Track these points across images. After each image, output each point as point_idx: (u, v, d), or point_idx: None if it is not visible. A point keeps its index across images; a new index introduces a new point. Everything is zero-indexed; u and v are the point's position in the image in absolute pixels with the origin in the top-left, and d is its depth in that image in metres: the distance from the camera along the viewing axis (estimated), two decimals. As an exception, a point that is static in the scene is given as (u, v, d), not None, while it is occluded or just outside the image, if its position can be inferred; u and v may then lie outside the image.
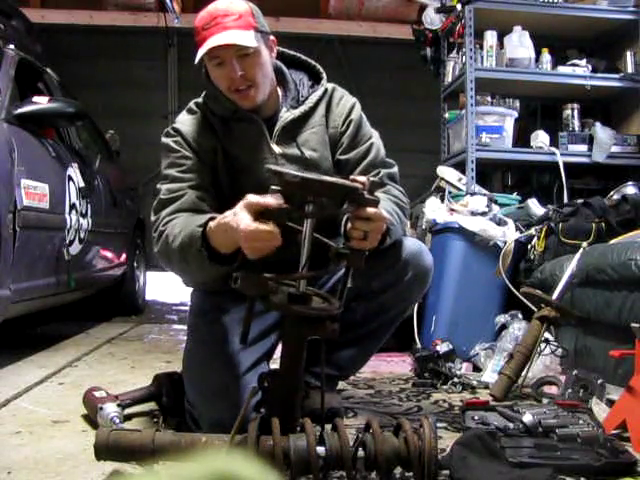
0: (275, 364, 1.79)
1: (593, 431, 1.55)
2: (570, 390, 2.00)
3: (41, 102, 2.74)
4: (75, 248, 3.07)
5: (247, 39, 1.58)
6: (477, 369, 2.62)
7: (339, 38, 6.86)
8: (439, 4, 4.27)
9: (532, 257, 2.88)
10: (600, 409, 1.79)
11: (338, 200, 1.39)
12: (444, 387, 2.34)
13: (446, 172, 3.93)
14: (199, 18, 1.61)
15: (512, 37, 3.91)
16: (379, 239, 1.45)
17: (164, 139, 1.74)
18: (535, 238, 2.90)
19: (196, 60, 1.61)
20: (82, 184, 3.17)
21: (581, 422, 1.62)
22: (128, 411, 1.78)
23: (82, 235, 3.16)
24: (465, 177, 3.81)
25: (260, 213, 1.30)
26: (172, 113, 6.60)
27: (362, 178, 1.37)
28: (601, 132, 3.88)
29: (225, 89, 1.66)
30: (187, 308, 2.02)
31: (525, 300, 2.48)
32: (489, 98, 4.04)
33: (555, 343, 2.31)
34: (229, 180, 1.72)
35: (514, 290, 2.66)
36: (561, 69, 3.96)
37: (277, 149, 1.72)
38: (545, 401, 2.04)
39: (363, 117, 1.84)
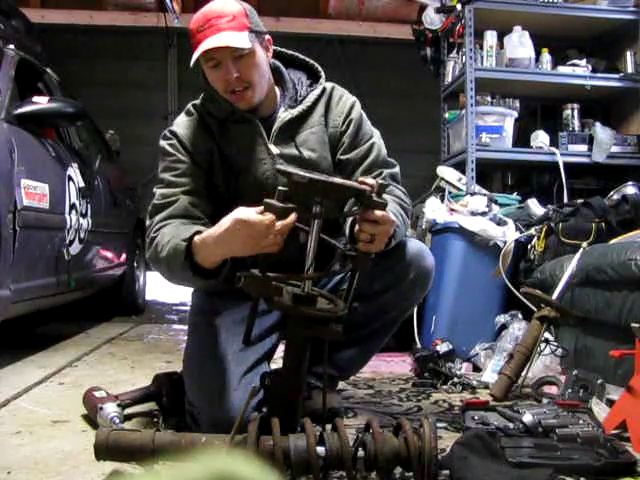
0: (275, 364, 1.79)
1: (593, 431, 1.55)
2: (570, 390, 2.00)
3: (41, 102, 2.74)
4: (75, 248, 3.07)
5: (241, 40, 1.58)
6: (477, 369, 2.62)
7: (339, 38, 6.86)
8: (439, 4, 4.26)
9: (532, 257, 2.88)
10: (600, 409, 1.79)
11: (344, 202, 1.40)
12: (444, 387, 2.34)
13: (446, 172, 3.93)
14: (193, 20, 1.61)
15: (512, 37, 3.91)
16: (386, 242, 1.45)
17: (161, 142, 1.74)
18: (535, 238, 2.90)
19: (191, 63, 1.61)
20: (82, 184, 3.17)
21: (581, 422, 1.62)
22: (128, 411, 1.78)
23: (82, 235, 3.16)
24: (465, 177, 3.80)
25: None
26: (172, 113, 6.60)
27: (371, 180, 1.36)
28: (601, 132, 3.88)
29: (221, 91, 1.66)
30: (187, 308, 2.02)
31: (525, 300, 2.48)
32: (489, 98, 4.04)
33: (555, 343, 2.31)
34: (226, 181, 1.72)
35: (514, 290, 2.66)
36: (561, 69, 3.96)
37: (275, 149, 1.72)
38: (545, 401, 2.04)
39: (363, 116, 1.83)
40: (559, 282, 2.33)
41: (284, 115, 1.74)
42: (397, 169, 1.84)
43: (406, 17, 6.27)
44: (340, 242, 1.50)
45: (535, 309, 2.34)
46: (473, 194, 3.32)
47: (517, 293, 2.58)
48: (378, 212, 1.36)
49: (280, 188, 1.31)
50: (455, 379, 2.36)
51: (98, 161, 3.81)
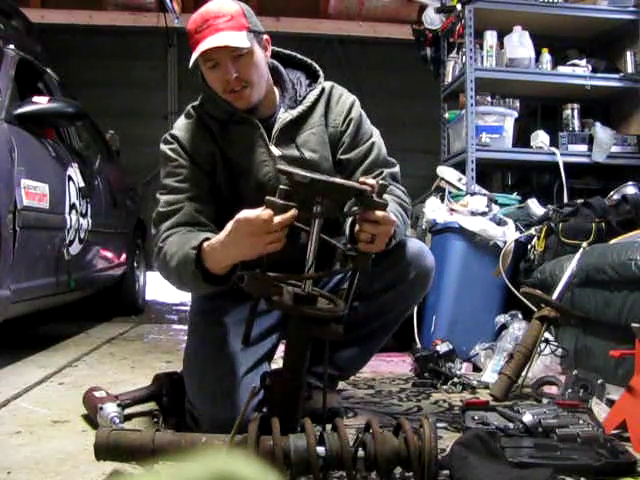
0: (276, 364, 1.79)
1: (593, 431, 1.55)
2: (570, 390, 2.00)
3: (41, 102, 2.74)
4: (75, 248, 3.07)
5: (240, 40, 1.57)
6: (477, 369, 2.62)
7: (339, 38, 6.87)
8: (439, 4, 4.26)
9: (532, 257, 2.88)
10: (600, 409, 1.79)
11: (344, 202, 1.39)
12: (444, 387, 2.34)
13: (446, 172, 3.93)
14: (191, 21, 1.61)
15: (512, 37, 3.91)
16: (386, 242, 1.45)
17: (162, 146, 1.73)
18: (535, 238, 2.90)
19: (190, 64, 1.60)
20: (82, 184, 3.17)
21: (581, 422, 1.62)
22: (128, 411, 1.78)
23: (82, 235, 3.16)
24: (465, 177, 3.80)
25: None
26: (172, 113, 6.61)
27: (371, 181, 1.36)
28: (601, 132, 3.88)
29: (220, 91, 1.65)
30: (187, 308, 2.03)
31: (525, 300, 2.48)
32: (489, 98, 4.04)
33: (555, 343, 2.31)
34: (228, 184, 1.72)
35: (514, 290, 2.66)
36: (561, 69, 3.96)
37: (276, 151, 1.71)
38: (545, 401, 2.04)
39: (363, 115, 1.82)
40: (559, 282, 2.33)
41: (284, 116, 1.73)
42: (397, 168, 1.84)
43: (406, 17, 6.28)
44: (340, 242, 1.50)
45: (535, 309, 2.34)
46: (473, 194, 3.32)
47: (517, 293, 2.58)
48: (379, 212, 1.36)
49: (282, 187, 1.31)
50: (455, 379, 2.36)
51: (98, 161, 3.82)
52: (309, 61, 1.84)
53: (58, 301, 3.17)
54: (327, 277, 1.75)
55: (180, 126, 1.75)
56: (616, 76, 3.98)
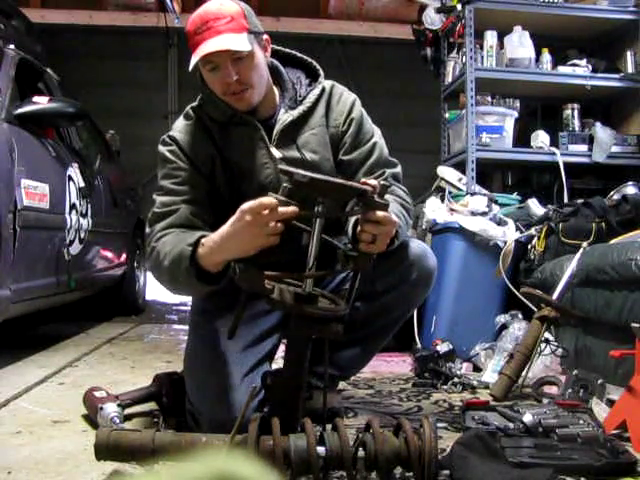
0: (277, 364, 1.79)
1: (593, 431, 1.55)
2: (570, 390, 2.00)
3: (41, 102, 2.74)
4: (75, 248, 3.07)
5: (241, 43, 1.55)
6: (477, 369, 2.62)
7: (339, 38, 6.87)
8: (439, 4, 4.26)
9: (532, 257, 2.88)
10: (600, 409, 1.79)
11: (345, 202, 1.39)
12: (444, 387, 2.34)
13: (446, 172, 3.93)
14: (190, 22, 1.58)
15: (512, 37, 3.91)
16: (388, 242, 1.45)
17: (160, 148, 1.71)
18: (535, 238, 2.90)
19: (190, 67, 1.58)
20: (82, 184, 3.18)
21: (581, 422, 1.62)
22: (128, 411, 1.78)
23: (82, 235, 3.16)
24: (465, 177, 3.80)
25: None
26: (172, 113, 6.61)
27: (373, 181, 1.36)
28: (601, 132, 3.88)
29: (220, 93, 1.64)
30: (187, 308, 2.03)
31: (525, 300, 2.48)
32: (489, 98, 4.04)
33: (555, 343, 2.31)
34: (228, 186, 1.70)
35: (514, 290, 2.66)
36: (561, 69, 3.96)
37: (277, 153, 1.69)
38: (545, 401, 2.04)
39: (364, 114, 1.81)
40: (559, 282, 2.33)
41: (285, 117, 1.71)
42: (399, 169, 1.83)
43: (406, 17, 6.28)
44: (342, 242, 1.50)
45: (535, 309, 2.34)
46: (473, 194, 3.32)
47: (517, 293, 2.58)
48: (380, 213, 1.36)
49: (284, 185, 1.31)
50: (455, 379, 2.36)
51: (98, 161, 3.81)
52: (309, 60, 1.81)
53: (58, 301, 3.17)
54: (327, 277, 1.75)
55: (179, 128, 1.73)
56: (616, 76, 3.98)
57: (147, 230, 1.67)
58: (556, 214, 2.92)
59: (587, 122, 4.06)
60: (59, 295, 3.05)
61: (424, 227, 3.25)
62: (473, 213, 2.99)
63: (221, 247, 1.42)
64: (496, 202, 3.20)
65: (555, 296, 2.28)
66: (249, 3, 1.70)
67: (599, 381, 1.94)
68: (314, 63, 1.81)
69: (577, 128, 4.01)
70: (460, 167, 3.95)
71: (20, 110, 2.62)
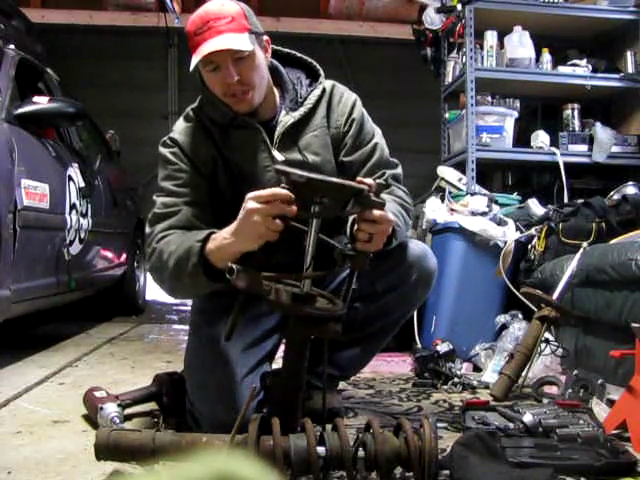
0: (276, 364, 1.79)
1: (593, 431, 1.55)
2: (570, 390, 2.00)
3: (41, 102, 2.74)
4: (75, 248, 3.07)
5: (242, 43, 1.54)
6: (477, 369, 2.62)
7: (339, 38, 6.86)
8: (439, 4, 4.27)
9: (532, 257, 2.87)
10: (600, 409, 1.79)
11: (342, 201, 1.39)
12: (444, 387, 2.34)
13: (446, 172, 3.93)
14: (190, 22, 1.56)
15: (512, 37, 3.91)
16: (384, 241, 1.45)
17: (161, 149, 1.70)
18: (535, 238, 2.90)
19: (191, 67, 1.57)
20: (82, 184, 3.18)
21: (581, 422, 1.62)
22: (128, 411, 1.78)
23: (82, 235, 3.16)
24: (465, 177, 3.80)
25: None
26: (172, 113, 6.61)
27: (369, 180, 1.36)
28: (601, 132, 3.88)
29: (221, 94, 1.62)
30: (187, 308, 2.03)
31: (525, 300, 2.48)
32: (489, 98, 4.04)
33: (555, 343, 2.31)
34: (231, 189, 1.69)
35: (514, 290, 2.66)
36: (561, 69, 3.96)
37: (279, 156, 1.68)
38: (545, 401, 2.04)
39: (365, 114, 1.80)
40: (559, 282, 2.33)
41: (286, 119, 1.70)
42: (399, 169, 1.83)
43: (406, 17, 6.27)
44: (342, 242, 1.50)
45: (535, 309, 2.34)
46: (473, 194, 3.32)
47: (517, 293, 2.58)
48: (376, 211, 1.36)
49: (282, 185, 1.32)
50: (455, 379, 2.36)
51: (98, 161, 3.82)
52: (309, 59, 1.80)
53: (58, 301, 3.17)
54: (324, 277, 1.74)
55: (180, 130, 1.72)
56: (616, 76, 3.98)
57: (147, 231, 1.66)
58: (556, 214, 2.92)
59: (587, 122, 4.05)
60: (59, 295, 3.05)
61: (424, 227, 3.25)
62: (473, 213, 2.99)
63: (229, 241, 1.42)
64: (496, 202, 3.20)
65: (555, 296, 2.28)
66: (249, 3, 1.69)
67: (599, 381, 1.94)
68: (314, 63, 1.79)
69: (577, 128, 4.01)
70: (460, 167, 3.95)
71: (20, 110, 2.62)
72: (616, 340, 2.03)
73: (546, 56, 3.94)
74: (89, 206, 3.28)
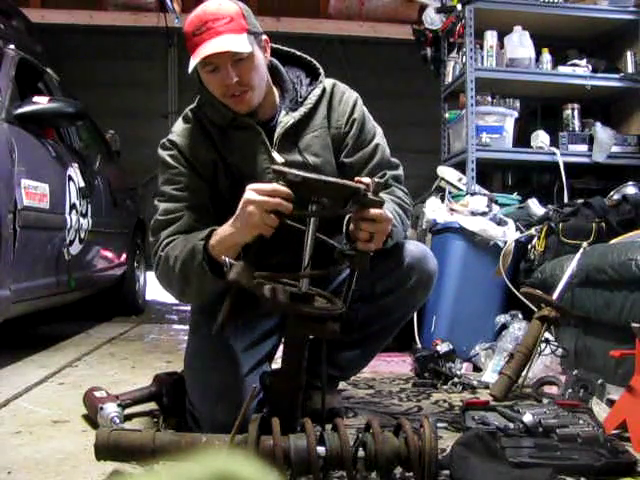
0: (276, 364, 1.79)
1: (593, 431, 1.55)
2: (570, 390, 2.00)
3: (41, 102, 2.74)
4: (75, 248, 3.07)
5: (241, 44, 1.52)
6: (477, 369, 2.62)
7: (339, 38, 6.86)
8: (439, 4, 4.26)
9: (532, 257, 2.88)
10: (600, 409, 1.79)
11: (341, 200, 1.39)
12: (444, 387, 2.34)
13: (446, 172, 3.93)
14: (188, 22, 1.55)
15: (512, 37, 3.91)
16: (384, 240, 1.45)
17: (160, 152, 1.69)
18: (535, 238, 2.90)
19: (190, 69, 1.55)
20: (82, 184, 3.18)
21: (581, 422, 1.62)
22: (128, 411, 1.78)
23: (82, 235, 3.16)
24: (465, 177, 3.80)
25: None
26: (172, 113, 6.61)
27: (366, 179, 1.36)
28: (601, 132, 3.87)
29: (220, 95, 1.61)
30: (187, 308, 2.02)
31: (525, 300, 2.48)
32: (489, 98, 4.04)
33: (555, 343, 2.31)
34: (230, 190, 1.67)
35: (514, 290, 2.66)
36: (561, 69, 3.96)
37: (278, 158, 1.66)
38: (545, 401, 2.04)
39: (366, 113, 1.78)
40: (559, 282, 2.33)
41: (286, 119, 1.68)
42: (400, 170, 1.81)
43: (406, 17, 6.27)
44: (341, 242, 1.50)
45: (535, 309, 2.34)
46: (473, 194, 3.32)
47: (517, 293, 2.58)
48: (374, 210, 1.36)
49: (282, 184, 1.32)
50: (455, 379, 2.36)
51: (98, 161, 3.82)
52: (308, 58, 1.78)
53: (58, 301, 3.17)
54: (322, 276, 1.74)
55: (179, 131, 1.70)
56: (616, 76, 3.97)
57: (151, 239, 1.65)
58: (556, 214, 2.92)
59: (587, 122, 4.05)
60: (59, 295, 3.05)
61: (424, 227, 3.25)
62: (473, 213, 2.99)
63: (229, 233, 1.43)
64: (496, 202, 3.20)
65: (555, 296, 2.28)
66: (248, 3, 1.68)
67: (599, 381, 1.94)
68: (314, 62, 1.78)
69: (577, 128, 4.01)
70: (460, 167, 3.95)
71: (20, 110, 2.62)
72: (616, 340, 2.03)
73: (546, 56, 3.94)
74: (89, 206, 3.28)
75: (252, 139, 1.67)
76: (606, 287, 2.17)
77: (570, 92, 4.01)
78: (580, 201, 3.00)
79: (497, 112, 3.92)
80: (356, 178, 1.38)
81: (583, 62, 3.97)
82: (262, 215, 1.34)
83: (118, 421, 1.64)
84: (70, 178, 3.01)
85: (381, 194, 1.40)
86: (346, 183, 1.34)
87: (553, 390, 2.16)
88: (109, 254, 3.89)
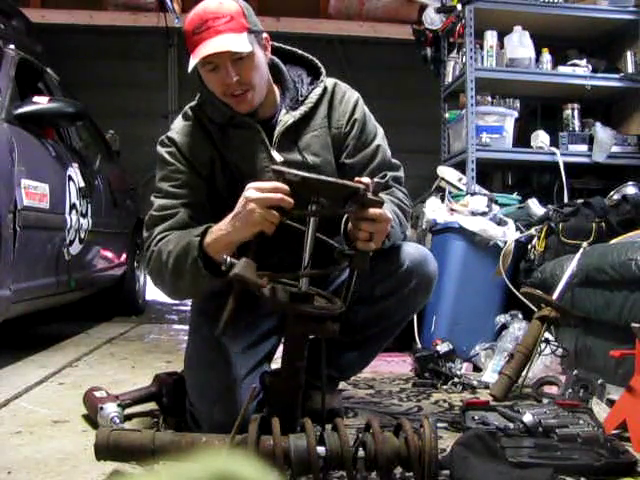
0: (276, 364, 1.79)
1: (593, 431, 1.55)
2: (570, 390, 2.00)
3: (41, 102, 2.74)
4: (75, 248, 3.07)
5: (241, 43, 1.52)
6: (477, 369, 2.62)
7: (339, 38, 6.85)
8: (439, 4, 4.26)
9: (532, 257, 2.88)
10: (600, 409, 1.79)
11: (340, 200, 1.39)
12: (444, 387, 2.34)
13: (446, 172, 3.93)
14: (188, 21, 1.54)
15: (512, 37, 3.91)
16: (383, 239, 1.45)
17: (159, 149, 1.69)
18: (535, 238, 2.90)
19: (189, 68, 1.54)
20: (82, 184, 3.18)
21: (581, 422, 1.62)
22: (128, 411, 1.78)
23: (82, 235, 3.16)
24: (465, 177, 3.80)
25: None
26: (172, 113, 6.59)
27: (366, 179, 1.36)
28: (601, 132, 3.87)
29: (220, 94, 1.60)
30: (187, 308, 2.02)
31: (525, 300, 2.48)
32: (489, 98, 4.04)
33: (555, 343, 2.31)
34: (228, 189, 1.67)
35: (514, 290, 2.66)
36: (561, 69, 3.96)
37: (278, 157, 1.65)
38: (545, 401, 2.04)
39: (367, 113, 1.77)
40: (559, 282, 2.33)
41: (286, 118, 1.67)
42: (401, 172, 1.81)
43: (406, 17, 6.27)
44: (341, 242, 1.50)
45: (535, 309, 2.34)
46: (473, 194, 3.32)
47: (517, 293, 2.58)
48: (374, 210, 1.36)
49: (281, 182, 1.32)
50: (455, 379, 2.36)
51: (98, 161, 3.81)
52: (310, 57, 1.78)
53: (58, 301, 3.17)
54: (321, 275, 1.73)
55: (178, 129, 1.70)
56: (616, 76, 3.97)
57: (145, 234, 1.64)
58: (556, 214, 2.92)
59: (587, 122, 4.05)
60: (59, 295, 3.05)
61: (424, 227, 3.25)
62: (473, 213, 2.99)
63: (226, 231, 1.43)
64: (496, 202, 3.20)
65: (555, 296, 2.28)
66: (248, 2, 1.68)
67: (599, 381, 1.94)
68: (315, 60, 1.77)
69: (577, 128, 4.01)
70: (460, 167, 3.95)
71: (20, 110, 2.62)
72: (616, 340, 2.03)
73: (546, 56, 3.94)
74: (89, 206, 3.28)
75: (252, 138, 1.67)
76: (606, 287, 2.17)
77: (570, 92, 4.01)
78: (580, 201, 3.01)
79: (497, 112, 3.92)
80: (356, 178, 1.38)
81: (583, 62, 3.97)
82: (264, 211, 1.34)
83: (118, 421, 1.64)
84: (70, 178, 3.01)
85: (381, 195, 1.40)
86: (346, 183, 1.34)
87: (553, 390, 2.16)
88: (109, 254, 3.89)
